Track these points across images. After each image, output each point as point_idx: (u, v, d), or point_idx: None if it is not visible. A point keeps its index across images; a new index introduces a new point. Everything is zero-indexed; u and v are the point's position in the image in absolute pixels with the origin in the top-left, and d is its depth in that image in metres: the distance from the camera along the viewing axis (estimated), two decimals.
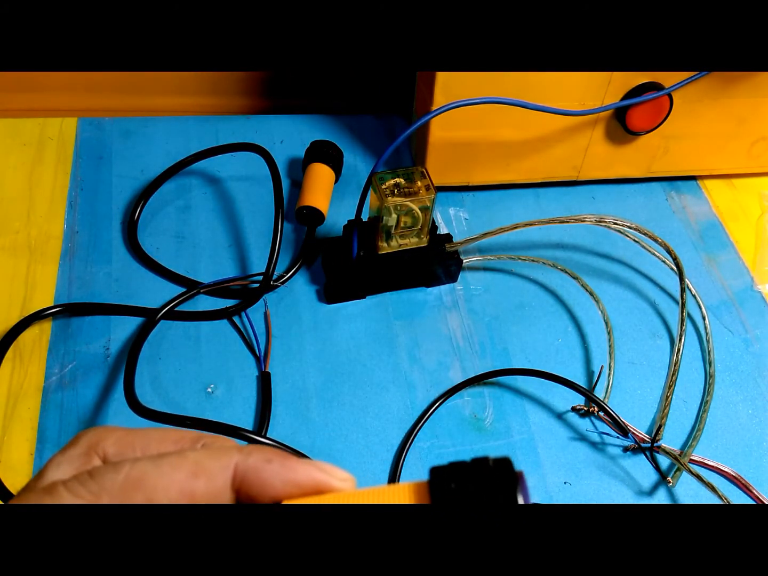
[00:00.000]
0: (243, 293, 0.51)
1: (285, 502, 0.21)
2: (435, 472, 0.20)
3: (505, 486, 0.19)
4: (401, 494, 0.20)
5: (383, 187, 0.46)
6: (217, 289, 0.51)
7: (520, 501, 0.19)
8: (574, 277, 0.54)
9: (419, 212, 0.47)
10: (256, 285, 0.51)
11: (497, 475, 0.19)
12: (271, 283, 0.51)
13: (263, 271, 0.50)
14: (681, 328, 0.49)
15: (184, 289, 0.51)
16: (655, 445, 0.45)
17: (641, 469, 0.46)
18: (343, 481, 0.22)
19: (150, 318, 0.48)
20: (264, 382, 0.47)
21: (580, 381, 0.49)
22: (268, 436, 0.44)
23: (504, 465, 0.20)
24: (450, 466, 0.20)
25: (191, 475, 0.20)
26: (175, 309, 0.49)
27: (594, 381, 0.49)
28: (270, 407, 0.46)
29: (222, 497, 0.20)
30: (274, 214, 0.52)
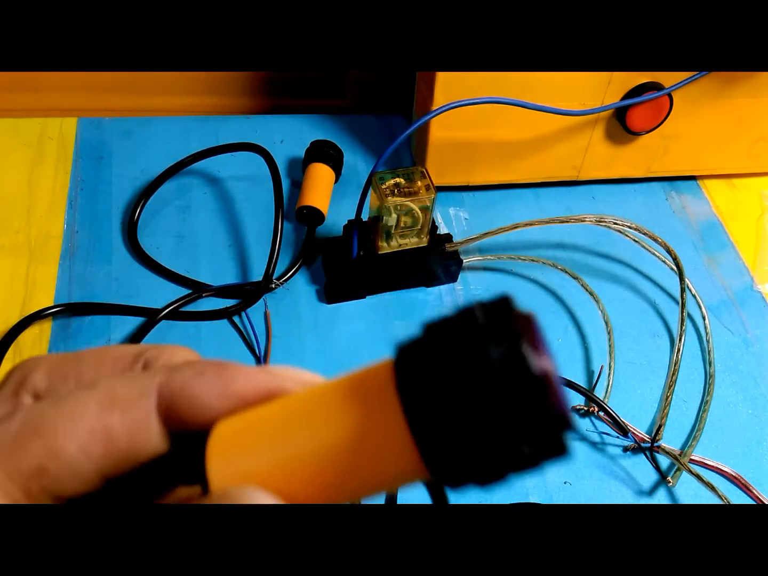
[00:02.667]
0: (243, 293, 0.51)
1: (224, 420, 0.16)
2: (402, 348, 0.15)
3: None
4: (370, 383, 0.16)
5: (383, 187, 0.46)
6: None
7: (534, 366, 0.12)
8: (574, 277, 0.54)
9: (419, 212, 0.47)
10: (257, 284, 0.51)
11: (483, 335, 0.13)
12: (271, 283, 0.51)
13: (263, 270, 0.50)
14: (681, 328, 0.49)
15: (183, 289, 0.51)
16: (655, 445, 0.45)
17: (641, 469, 0.46)
18: (299, 383, 0.17)
19: (150, 318, 0.48)
20: None
21: (580, 381, 0.49)
22: None
23: (500, 309, 0.13)
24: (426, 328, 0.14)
25: (102, 409, 0.16)
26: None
27: (594, 381, 0.49)
28: None
29: (147, 430, 0.16)
30: (274, 214, 0.52)
